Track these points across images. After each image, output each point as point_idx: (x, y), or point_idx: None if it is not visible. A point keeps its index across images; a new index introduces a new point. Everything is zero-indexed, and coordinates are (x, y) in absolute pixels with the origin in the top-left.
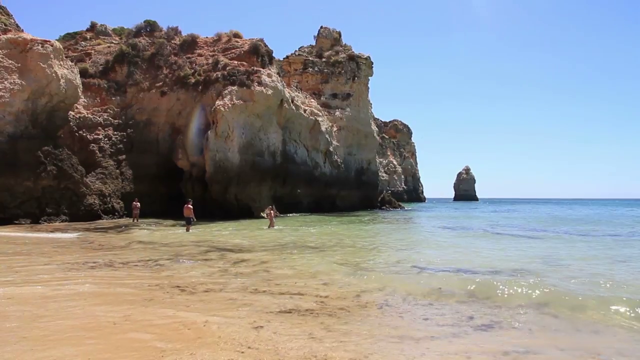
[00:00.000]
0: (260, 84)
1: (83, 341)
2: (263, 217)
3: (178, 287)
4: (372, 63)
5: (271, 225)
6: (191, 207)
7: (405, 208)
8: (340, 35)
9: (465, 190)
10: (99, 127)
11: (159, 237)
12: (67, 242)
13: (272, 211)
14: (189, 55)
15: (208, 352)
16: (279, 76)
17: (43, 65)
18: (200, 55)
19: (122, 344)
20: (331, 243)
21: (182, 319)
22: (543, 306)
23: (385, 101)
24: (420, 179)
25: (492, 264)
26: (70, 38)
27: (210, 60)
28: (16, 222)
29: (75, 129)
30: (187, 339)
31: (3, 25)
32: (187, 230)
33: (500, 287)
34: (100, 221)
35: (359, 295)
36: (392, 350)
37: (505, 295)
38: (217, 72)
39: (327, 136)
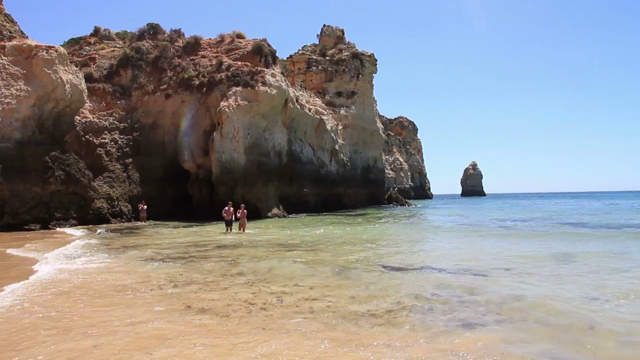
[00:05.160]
0: (264, 84)
1: None
2: (269, 217)
3: None
4: (376, 60)
5: (242, 227)
6: (226, 209)
7: (413, 205)
8: (343, 33)
9: (472, 185)
10: (105, 131)
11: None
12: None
13: (243, 210)
14: (193, 57)
15: None
16: (283, 76)
17: (48, 71)
18: (203, 56)
19: None
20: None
21: None
22: None
23: (390, 98)
24: (427, 176)
25: None
26: (75, 43)
27: (213, 62)
28: (26, 227)
29: (82, 133)
30: None
31: (8, 33)
32: (227, 231)
33: None
34: (112, 225)
35: None
36: None
37: None
38: (221, 73)
39: (332, 135)
